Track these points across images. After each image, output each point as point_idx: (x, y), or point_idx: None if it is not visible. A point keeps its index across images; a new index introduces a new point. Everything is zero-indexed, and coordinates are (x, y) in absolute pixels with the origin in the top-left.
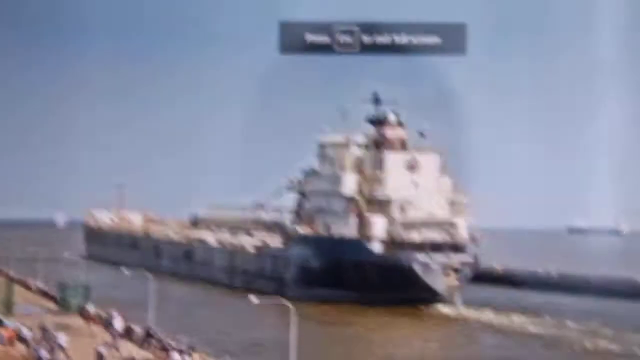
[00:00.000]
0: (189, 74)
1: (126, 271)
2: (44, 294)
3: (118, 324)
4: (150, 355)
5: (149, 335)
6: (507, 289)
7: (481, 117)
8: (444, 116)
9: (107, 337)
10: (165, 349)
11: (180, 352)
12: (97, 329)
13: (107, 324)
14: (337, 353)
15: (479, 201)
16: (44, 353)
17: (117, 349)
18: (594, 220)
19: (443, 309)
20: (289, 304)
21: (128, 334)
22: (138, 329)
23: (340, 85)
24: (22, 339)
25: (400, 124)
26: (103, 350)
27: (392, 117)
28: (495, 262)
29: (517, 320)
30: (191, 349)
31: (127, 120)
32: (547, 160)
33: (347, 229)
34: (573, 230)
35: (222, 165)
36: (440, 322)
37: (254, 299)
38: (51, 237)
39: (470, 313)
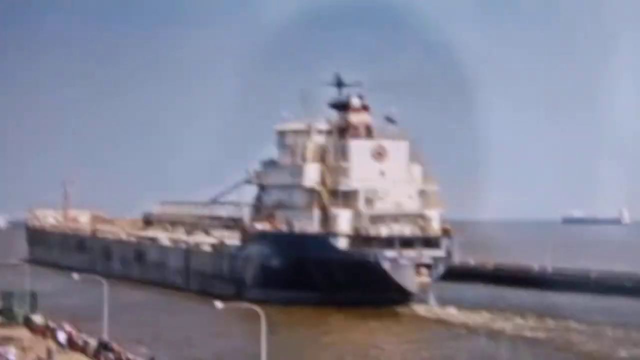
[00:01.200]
0: (141, 57)
1: (76, 276)
2: None
3: (62, 336)
4: None
5: (105, 347)
6: (486, 286)
7: (470, 103)
8: (420, 99)
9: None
10: None
11: None
12: (45, 342)
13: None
14: None
15: (463, 192)
16: None
17: None
18: (594, 210)
19: (416, 308)
20: (258, 309)
21: (81, 347)
22: (91, 341)
23: (300, 66)
24: None
25: (365, 108)
26: None
27: (355, 101)
28: (471, 258)
29: (493, 318)
30: None
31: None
32: (544, 149)
33: (310, 224)
34: (569, 221)
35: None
36: (414, 323)
37: (218, 304)
38: None
39: (446, 313)
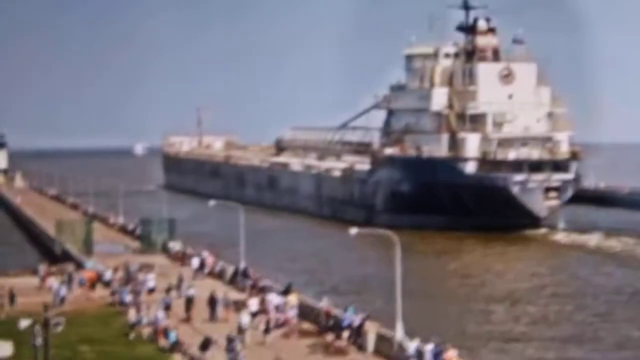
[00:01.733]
0: None
1: (212, 202)
2: (125, 231)
3: (196, 262)
4: (244, 297)
5: (244, 274)
6: (614, 210)
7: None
8: (548, 19)
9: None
10: (260, 289)
11: (284, 292)
12: (184, 270)
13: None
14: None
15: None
16: (127, 297)
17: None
18: None
19: (546, 233)
20: (393, 235)
21: (218, 273)
22: (229, 268)
23: None
24: (103, 282)
25: (492, 30)
26: (192, 292)
27: (482, 24)
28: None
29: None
30: (288, 288)
31: (205, 41)
32: None
33: (438, 148)
34: None
35: (308, 84)
36: (544, 249)
37: (353, 230)
38: (128, 167)
39: (578, 238)
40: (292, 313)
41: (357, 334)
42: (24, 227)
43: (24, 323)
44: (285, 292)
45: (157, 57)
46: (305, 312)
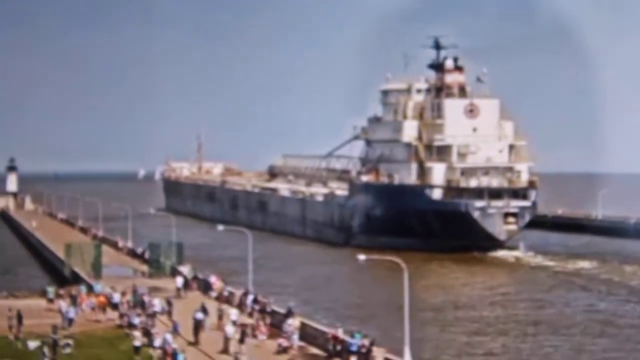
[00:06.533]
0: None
1: (220, 227)
2: (134, 255)
3: (180, 281)
4: (252, 321)
5: (254, 301)
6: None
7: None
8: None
9: (206, 302)
10: (267, 313)
11: (285, 315)
12: (193, 294)
13: (205, 288)
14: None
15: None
16: (136, 320)
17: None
18: None
19: (504, 255)
20: (401, 262)
21: (226, 297)
22: (238, 294)
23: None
24: (113, 305)
25: (459, 69)
26: (200, 316)
27: (449, 63)
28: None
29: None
30: (290, 312)
31: (205, 67)
32: None
33: (409, 176)
34: None
35: (300, 115)
36: (501, 268)
37: (361, 256)
38: (131, 190)
39: (535, 259)
40: (294, 337)
41: (365, 359)
42: (34, 250)
43: (33, 344)
44: (286, 315)
45: (158, 86)
46: (312, 336)
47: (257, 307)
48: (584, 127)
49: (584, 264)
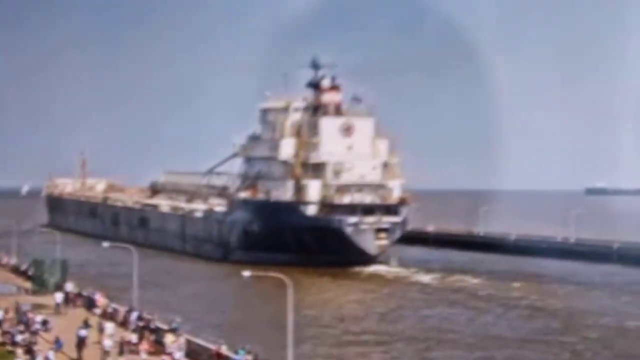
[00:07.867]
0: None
1: (105, 244)
2: (18, 271)
3: (60, 297)
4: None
5: (139, 317)
6: (455, 250)
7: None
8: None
9: (89, 318)
10: (151, 330)
11: (170, 332)
12: (77, 311)
13: (89, 305)
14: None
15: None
16: (20, 337)
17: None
18: (617, 181)
19: (375, 269)
20: (286, 279)
21: (110, 314)
22: (123, 310)
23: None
24: None
25: (335, 88)
26: (84, 333)
27: (326, 82)
28: (430, 224)
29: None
30: (174, 328)
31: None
32: (567, 118)
33: (285, 193)
34: (592, 191)
35: (184, 130)
36: (369, 282)
37: (246, 273)
38: (15, 206)
39: (406, 273)
40: (178, 354)
41: None
42: None
43: None
44: (170, 332)
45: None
46: (196, 352)
47: (141, 323)
48: (476, 145)
49: (461, 278)
